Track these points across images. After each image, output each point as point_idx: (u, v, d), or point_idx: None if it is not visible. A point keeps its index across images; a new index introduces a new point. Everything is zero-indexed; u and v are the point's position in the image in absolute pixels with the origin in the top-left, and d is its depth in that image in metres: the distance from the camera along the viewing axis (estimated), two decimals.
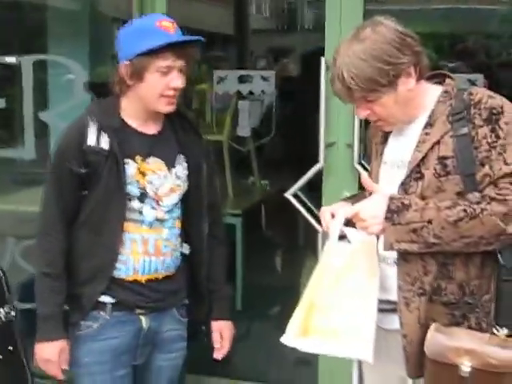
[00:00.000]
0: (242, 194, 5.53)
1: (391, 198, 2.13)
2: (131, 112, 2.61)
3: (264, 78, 5.14)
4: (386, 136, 2.37)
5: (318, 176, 3.61)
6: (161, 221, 2.63)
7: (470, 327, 2.19)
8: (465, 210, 2.05)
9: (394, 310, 2.28)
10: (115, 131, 2.56)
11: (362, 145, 3.43)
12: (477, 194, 2.08)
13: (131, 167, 2.57)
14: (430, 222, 2.08)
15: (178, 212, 2.71)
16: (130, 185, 2.57)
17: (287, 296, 4.82)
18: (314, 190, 3.72)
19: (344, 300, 2.23)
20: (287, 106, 5.91)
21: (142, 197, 2.60)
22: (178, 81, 2.49)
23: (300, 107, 5.66)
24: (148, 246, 2.62)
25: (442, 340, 2.12)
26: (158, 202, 2.62)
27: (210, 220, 2.80)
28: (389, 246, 2.15)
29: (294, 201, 3.64)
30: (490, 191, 2.08)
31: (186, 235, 2.76)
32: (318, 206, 3.52)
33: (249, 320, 4.92)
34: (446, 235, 2.08)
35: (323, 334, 2.22)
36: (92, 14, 4.90)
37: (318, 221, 3.45)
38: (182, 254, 2.77)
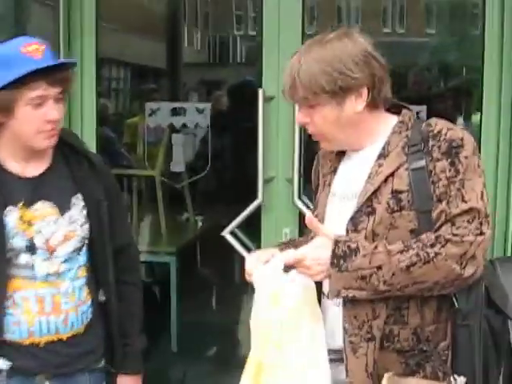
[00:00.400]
0: (176, 231, 5.39)
1: (337, 242, 1.97)
2: (8, 153, 2.26)
3: (199, 111, 4.99)
4: (335, 166, 2.21)
5: (257, 212, 3.49)
6: (57, 274, 2.27)
7: (425, 377, 2.05)
8: (417, 254, 1.91)
9: (340, 360, 2.10)
10: None
11: (303, 179, 3.32)
12: (431, 236, 1.93)
13: (12, 217, 2.22)
14: (379, 267, 1.93)
15: (81, 259, 2.34)
16: (15, 237, 2.22)
17: (225, 335, 4.78)
18: (251, 227, 3.60)
19: (292, 356, 2.05)
20: (223, 139, 5.71)
21: (32, 249, 2.24)
22: (53, 112, 2.16)
23: (236, 140, 5.60)
24: (44, 304, 2.26)
25: None
26: (51, 252, 2.26)
27: (121, 264, 2.47)
28: (335, 293, 2.00)
29: (231, 239, 3.51)
30: (446, 230, 1.94)
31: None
32: (257, 243, 3.51)
33: (185, 362, 4.75)
34: (397, 282, 1.94)
35: None
36: None
37: None
38: (99, 303, 2.42)
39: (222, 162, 5.63)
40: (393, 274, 1.92)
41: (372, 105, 2.06)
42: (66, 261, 2.29)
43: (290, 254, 2.02)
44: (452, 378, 2.01)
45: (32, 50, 2.13)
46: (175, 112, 5.02)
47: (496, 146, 3.29)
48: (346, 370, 2.06)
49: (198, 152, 5.42)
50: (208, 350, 4.90)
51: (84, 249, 2.36)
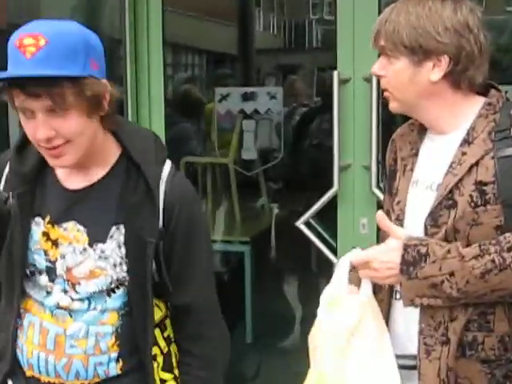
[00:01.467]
0: (251, 219, 5.31)
1: (406, 246, 1.84)
2: None
3: (270, 95, 4.90)
4: (417, 148, 2.06)
5: (333, 201, 3.36)
6: (68, 310, 1.90)
7: None
8: (493, 261, 1.75)
9: (412, 368, 1.98)
10: (24, 178, 1.91)
11: (381, 167, 3.19)
12: (510, 238, 1.77)
13: (37, 230, 1.91)
14: (451, 274, 1.79)
15: (110, 302, 1.92)
16: (36, 254, 1.91)
17: (299, 326, 4.74)
18: (327, 216, 3.48)
19: (359, 368, 1.93)
20: (298, 125, 5.65)
21: (51, 274, 1.90)
22: (39, 131, 1.71)
23: (312, 127, 5.51)
24: (46, 339, 1.92)
25: None
26: (73, 285, 1.89)
27: (183, 329, 2.00)
28: (409, 302, 1.87)
29: (305, 229, 3.38)
30: None
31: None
32: (333, 234, 3.43)
33: (259, 353, 4.70)
34: (472, 290, 1.79)
35: None
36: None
37: (331, 249, 3.30)
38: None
39: (297, 149, 5.50)
40: (467, 282, 1.78)
41: (453, 81, 1.92)
42: (85, 299, 1.91)
43: (359, 254, 1.95)
44: None
45: (25, 45, 1.68)
46: (246, 97, 4.93)
47: None
48: (419, 374, 1.93)
49: (271, 138, 5.31)
50: (282, 341, 4.80)
51: (120, 292, 1.93)
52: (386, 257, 1.88)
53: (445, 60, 1.88)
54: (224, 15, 7.39)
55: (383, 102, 3.24)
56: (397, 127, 2.20)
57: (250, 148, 5.07)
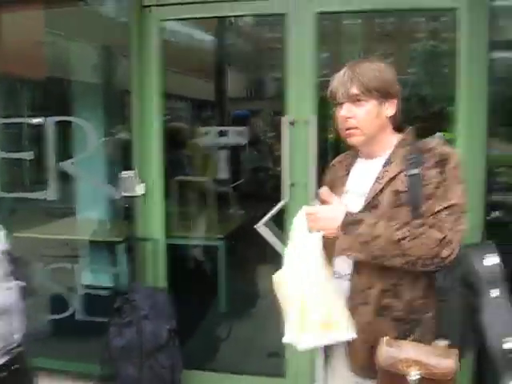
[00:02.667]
0: (224, 221, 5.23)
1: (348, 212, 1.92)
2: None
3: (238, 133, 4.95)
4: (349, 169, 2.13)
5: (282, 210, 3.37)
6: None
7: (414, 340, 1.94)
8: (409, 231, 1.85)
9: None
10: None
11: (317, 184, 3.17)
12: (419, 221, 1.87)
13: None
14: (377, 237, 1.86)
15: None
16: None
17: (262, 299, 4.66)
18: (279, 221, 3.41)
19: (325, 294, 1.95)
20: (257, 154, 5.66)
21: None
22: None
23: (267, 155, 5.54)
24: None
25: (393, 353, 1.88)
26: None
27: None
28: (339, 251, 1.94)
29: (261, 230, 3.36)
30: (431, 219, 1.87)
31: None
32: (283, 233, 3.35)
33: (231, 319, 4.63)
34: (389, 250, 1.86)
35: (316, 328, 1.93)
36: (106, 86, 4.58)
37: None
38: None
39: (256, 172, 5.57)
40: (387, 243, 1.85)
41: (393, 117, 2.02)
42: None
43: (311, 207, 2.01)
44: (434, 342, 1.92)
45: None
46: (221, 134, 4.96)
47: (466, 157, 3.09)
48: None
49: (239, 163, 5.33)
50: (248, 312, 4.74)
51: None
52: (331, 213, 1.94)
53: (395, 101, 2.00)
54: (205, 72, 7.38)
55: (319, 138, 3.29)
56: (326, 156, 2.24)
57: (224, 171, 5.09)
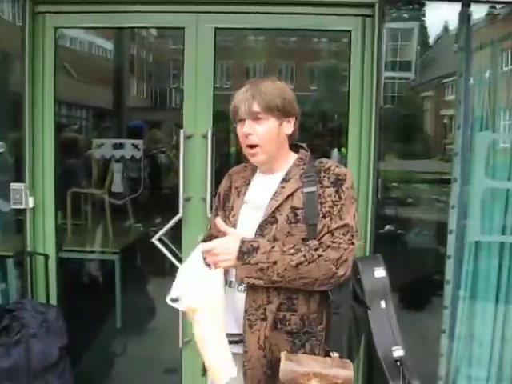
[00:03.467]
0: (120, 236, 5.13)
1: (243, 241, 1.94)
2: None
3: (134, 146, 4.88)
4: (249, 179, 2.18)
5: (179, 223, 3.34)
6: None
7: (305, 353, 2.00)
8: (304, 256, 1.90)
9: (240, 341, 2.05)
10: None
11: (214, 199, 3.15)
12: (315, 242, 1.94)
13: None
14: (275, 263, 1.91)
15: None
16: None
17: (157, 313, 4.62)
18: (175, 234, 3.41)
19: (216, 336, 2.00)
20: (152, 167, 5.63)
21: None
22: None
23: (163, 168, 5.54)
24: None
25: (293, 367, 1.92)
26: None
27: None
28: (240, 280, 1.96)
29: (158, 244, 3.33)
30: (327, 239, 1.94)
31: None
32: (178, 247, 3.38)
33: (126, 334, 4.56)
34: (287, 275, 1.91)
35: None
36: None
37: (178, 258, 3.29)
38: None
39: (153, 185, 5.50)
40: (285, 269, 1.90)
41: (291, 135, 2.10)
42: None
43: (207, 244, 1.99)
44: (331, 353, 1.99)
45: None
46: (116, 146, 4.88)
47: (357, 173, 3.23)
48: (244, 342, 2.02)
49: (134, 177, 5.26)
50: (144, 326, 4.66)
51: None
52: (226, 246, 1.95)
53: (293, 120, 2.08)
54: (105, 81, 7.26)
55: (218, 152, 3.31)
56: (227, 169, 2.32)
57: (119, 184, 5.01)
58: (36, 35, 3.39)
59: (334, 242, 1.93)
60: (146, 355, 4.15)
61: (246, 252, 1.93)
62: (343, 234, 1.95)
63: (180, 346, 3.40)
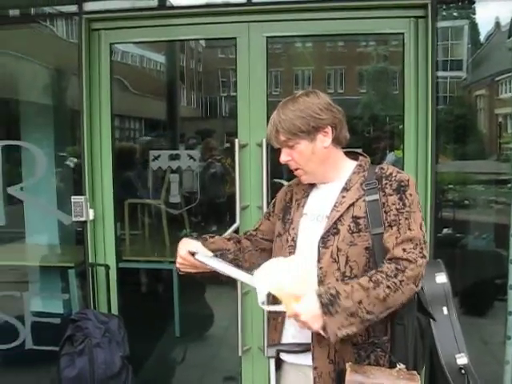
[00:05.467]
0: (177, 245, 5.15)
1: (319, 295, 1.84)
2: None
3: (190, 156, 4.93)
4: (308, 192, 2.13)
5: (236, 232, 3.28)
6: None
7: (369, 364, 1.94)
8: (388, 287, 1.83)
9: (307, 351, 2.01)
10: None
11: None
12: (391, 267, 1.86)
13: None
14: (360, 302, 1.83)
15: None
16: None
17: (216, 324, 4.64)
18: None
19: None
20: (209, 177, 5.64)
21: None
22: None
23: (219, 178, 5.55)
24: None
25: (359, 379, 1.87)
26: None
27: None
28: (334, 337, 1.84)
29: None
30: (400, 256, 1.87)
31: None
32: None
33: (185, 343, 4.60)
34: (377, 310, 1.84)
35: None
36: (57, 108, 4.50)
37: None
38: None
39: (209, 194, 5.51)
40: (374, 305, 1.83)
41: (336, 142, 2.04)
42: None
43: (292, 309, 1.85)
44: (398, 365, 1.92)
45: None
46: (172, 157, 4.93)
47: (415, 176, 3.18)
48: (313, 358, 1.98)
49: (191, 187, 5.30)
50: (203, 335, 4.69)
51: None
52: (308, 310, 1.83)
53: (329, 129, 2.00)
54: (158, 93, 7.38)
55: (270, 162, 3.31)
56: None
57: (176, 194, 5.05)
58: (92, 51, 3.47)
59: (409, 261, 1.86)
60: (205, 363, 4.17)
61: (328, 303, 1.83)
62: (413, 248, 1.88)
63: (239, 354, 3.40)
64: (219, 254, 2.12)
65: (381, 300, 1.82)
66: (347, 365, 1.90)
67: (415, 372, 1.92)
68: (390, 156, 5.49)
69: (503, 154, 6.13)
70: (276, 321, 2.10)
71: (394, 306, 1.86)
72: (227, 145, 6.13)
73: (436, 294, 2.34)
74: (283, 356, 2.11)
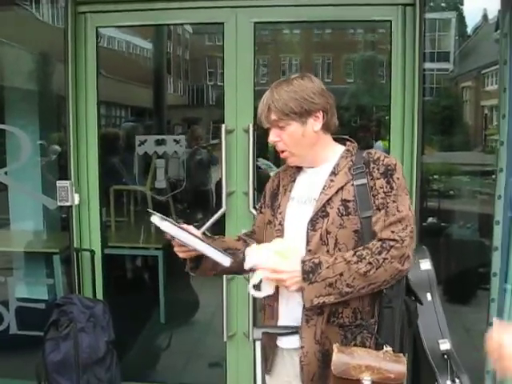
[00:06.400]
0: (163, 231, 5.16)
1: (303, 261, 1.89)
2: None
3: (176, 141, 4.90)
4: (295, 177, 2.14)
5: (222, 218, 3.35)
6: None
7: (355, 345, 1.96)
8: (370, 263, 1.87)
9: (293, 333, 2.02)
10: None
11: (256, 193, 3.22)
12: (377, 244, 1.89)
13: None
14: (341, 274, 1.87)
15: None
16: None
17: (201, 310, 4.67)
18: (218, 229, 3.39)
19: None
20: (195, 162, 5.61)
21: None
22: None
23: (205, 163, 5.52)
24: None
25: (345, 359, 1.88)
26: None
27: None
28: (309, 303, 1.90)
29: None
30: (387, 236, 1.90)
31: None
32: None
33: (170, 329, 4.62)
34: (357, 284, 1.88)
35: None
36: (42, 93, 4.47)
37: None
38: None
39: (195, 180, 5.47)
40: (354, 278, 1.87)
41: (325, 127, 2.04)
42: None
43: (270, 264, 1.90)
44: (384, 347, 1.93)
45: None
46: (158, 142, 4.91)
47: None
48: (300, 337, 1.99)
49: (177, 172, 5.28)
50: (187, 321, 4.72)
51: None
52: (290, 272, 1.89)
53: (320, 114, 2.01)
54: (145, 80, 7.35)
55: (256, 147, 3.31)
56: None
57: (162, 180, 5.04)
58: (78, 36, 3.43)
59: (395, 240, 1.88)
60: (190, 349, 4.19)
61: (309, 271, 1.88)
62: (403, 229, 1.90)
63: (225, 339, 3.41)
64: (231, 252, 2.09)
65: (361, 274, 1.86)
66: (334, 346, 1.91)
67: (401, 354, 1.93)
68: (377, 145, 5.51)
69: (488, 146, 6.19)
70: (272, 307, 2.10)
71: (376, 283, 1.88)
72: (215, 141, 6.12)
73: (420, 280, 2.36)
74: (277, 341, 2.11)
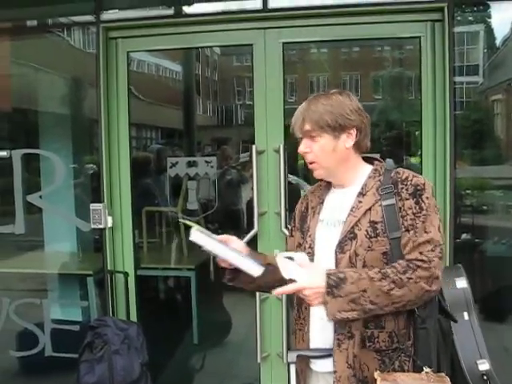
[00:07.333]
0: (195, 252, 5.14)
1: (328, 274, 1.87)
2: None
3: (207, 163, 4.92)
4: (323, 198, 2.13)
5: (254, 238, 3.35)
6: None
7: (394, 370, 1.91)
8: (394, 282, 1.83)
9: (327, 356, 1.99)
10: None
11: (287, 213, 3.21)
12: (403, 263, 1.86)
13: None
14: (364, 291, 1.84)
15: None
16: None
17: (234, 331, 4.62)
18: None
19: None
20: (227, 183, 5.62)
21: None
22: None
23: (237, 184, 5.51)
24: None
25: None
26: None
27: None
28: (332, 317, 1.88)
29: None
30: (415, 257, 1.87)
31: None
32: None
33: (204, 352, 4.55)
34: (380, 301, 1.85)
35: None
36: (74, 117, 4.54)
37: None
38: None
39: (226, 200, 5.46)
40: (377, 296, 1.84)
41: (357, 147, 2.03)
42: None
43: (292, 286, 1.88)
44: (424, 368, 1.89)
45: None
46: (190, 164, 4.93)
47: (433, 181, 3.15)
48: (333, 361, 1.96)
49: (209, 193, 5.28)
50: (220, 341, 4.65)
51: None
52: (313, 284, 1.87)
53: (354, 131, 2.00)
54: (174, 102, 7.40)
55: (288, 167, 3.31)
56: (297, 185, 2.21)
57: (193, 201, 5.06)
58: (109, 60, 3.49)
59: (423, 261, 1.85)
60: (224, 370, 4.16)
61: (333, 285, 1.85)
62: (431, 250, 1.87)
63: (258, 360, 3.38)
64: (271, 268, 2.03)
65: (384, 292, 1.83)
66: (375, 374, 1.87)
67: (443, 374, 1.89)
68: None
69: None
70: (303, 331, 2.08)
71: (400, 302, 1.85)
72: (245, 158, 6.13)
73: (456, 298, 2.32)
74: (310, 364, 2.09)
